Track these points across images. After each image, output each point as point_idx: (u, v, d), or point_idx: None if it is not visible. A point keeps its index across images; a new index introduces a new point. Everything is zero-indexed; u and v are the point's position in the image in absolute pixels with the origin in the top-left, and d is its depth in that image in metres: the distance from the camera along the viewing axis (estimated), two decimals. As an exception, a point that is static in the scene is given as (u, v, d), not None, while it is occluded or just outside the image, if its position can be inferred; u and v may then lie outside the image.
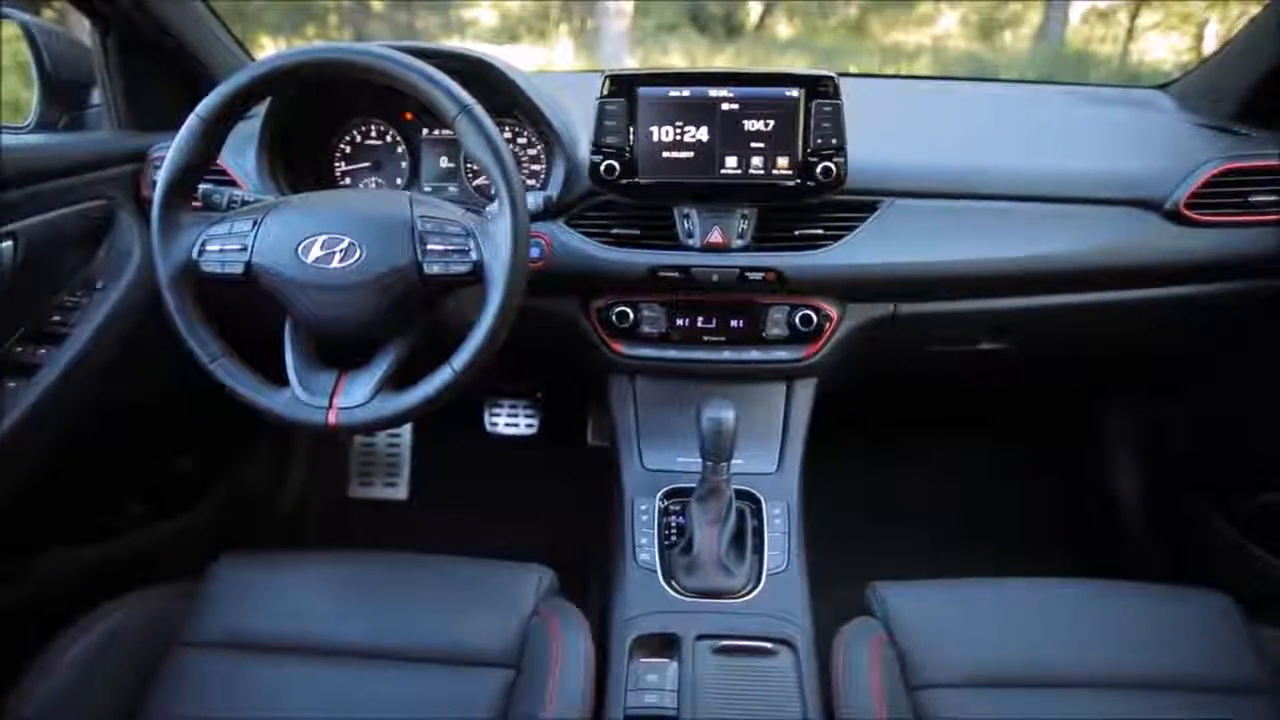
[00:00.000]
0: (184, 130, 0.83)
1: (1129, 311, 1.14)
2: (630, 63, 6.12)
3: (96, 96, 1.16)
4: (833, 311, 1.10)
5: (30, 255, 0.94)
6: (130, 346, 1.08)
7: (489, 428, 1.77)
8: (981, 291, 1.12)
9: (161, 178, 0.84)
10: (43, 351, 0.97)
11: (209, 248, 0.84)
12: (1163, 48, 5.03)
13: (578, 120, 1.09)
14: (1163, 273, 1.10)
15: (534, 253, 1.02)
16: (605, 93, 0.99)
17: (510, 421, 1.77)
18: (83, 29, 1.13)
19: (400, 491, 1.77)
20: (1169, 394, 1.53)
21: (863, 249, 1.05)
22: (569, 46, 6.29)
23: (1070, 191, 1.08)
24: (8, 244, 0.91)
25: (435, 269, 0.82)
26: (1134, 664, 0.87)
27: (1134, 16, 5.26)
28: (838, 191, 1.02)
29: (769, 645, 0.91)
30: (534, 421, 1.78)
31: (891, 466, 1.71)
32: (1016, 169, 1.10)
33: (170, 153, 0.84)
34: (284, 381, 0.86)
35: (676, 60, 6.10)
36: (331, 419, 0.83)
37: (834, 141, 0.98)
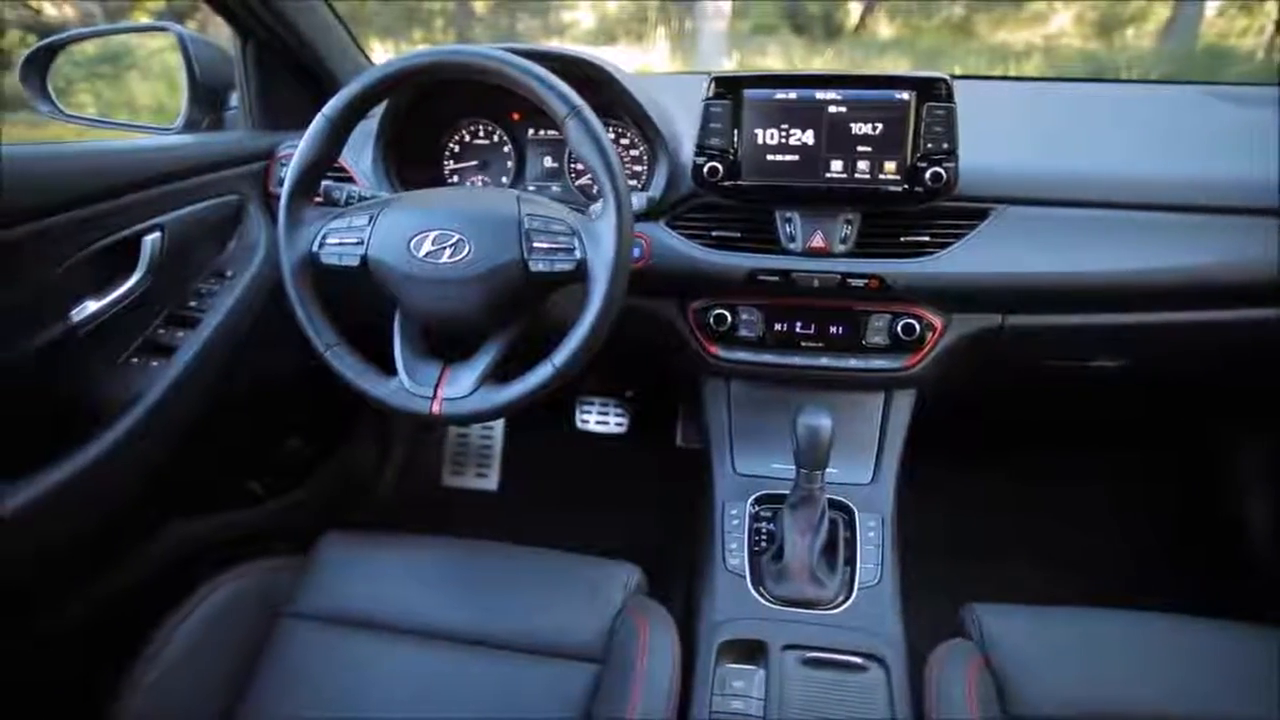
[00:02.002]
0: (311, 130, 0.87)
1: (1266, 329, 1.06)
2: (727, 64, 6.09)
3: (234, 99, 1.24)
4: (936, 321, 1.07)
5: (173, 245, 1.01)
6: (252, 333, 1.14)
7: (579, 424, 1.80)
8: (1099, 305, 1.06)
9: (289, 175, 0.88)
10: (180, 335, 1.05)
11: (329, 241, 0.87)
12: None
13: (680, 122, 1.09)
14: None
15: (634, 253, 1.03)
16: (710, 94, 0.98)
17: (600, 419, 1.80)
18: (220, 37, 1.22)
19: (491, 482, 1.82)
20: None
21: (971, 258, 1.01)
22: (665, 48, 6.32)
23: (1207, 199, 1.00)
24: (156, 235, 0.98)
25: (540, 266, 0.83)
26: (1251, 712, 0.80)
27: (1287, 5, 4.75)
28: (947, 198, 0.98)
29: (859, 660, 0.89)
30: (624, 420, 1.79)
31: (993, 484, 1.64)
32: (1144, 175, 1.03)
33: (298, 151, 0.88)
34: (392, 371, 0.89)
35: (774, 62, 6.04)
36: (435, 409, 0.85)
37: (945, 146, 0.95)
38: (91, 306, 0.92)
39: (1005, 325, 1.08)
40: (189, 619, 0.87)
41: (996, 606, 0.92)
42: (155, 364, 1.02)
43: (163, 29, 1.18)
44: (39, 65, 1.15)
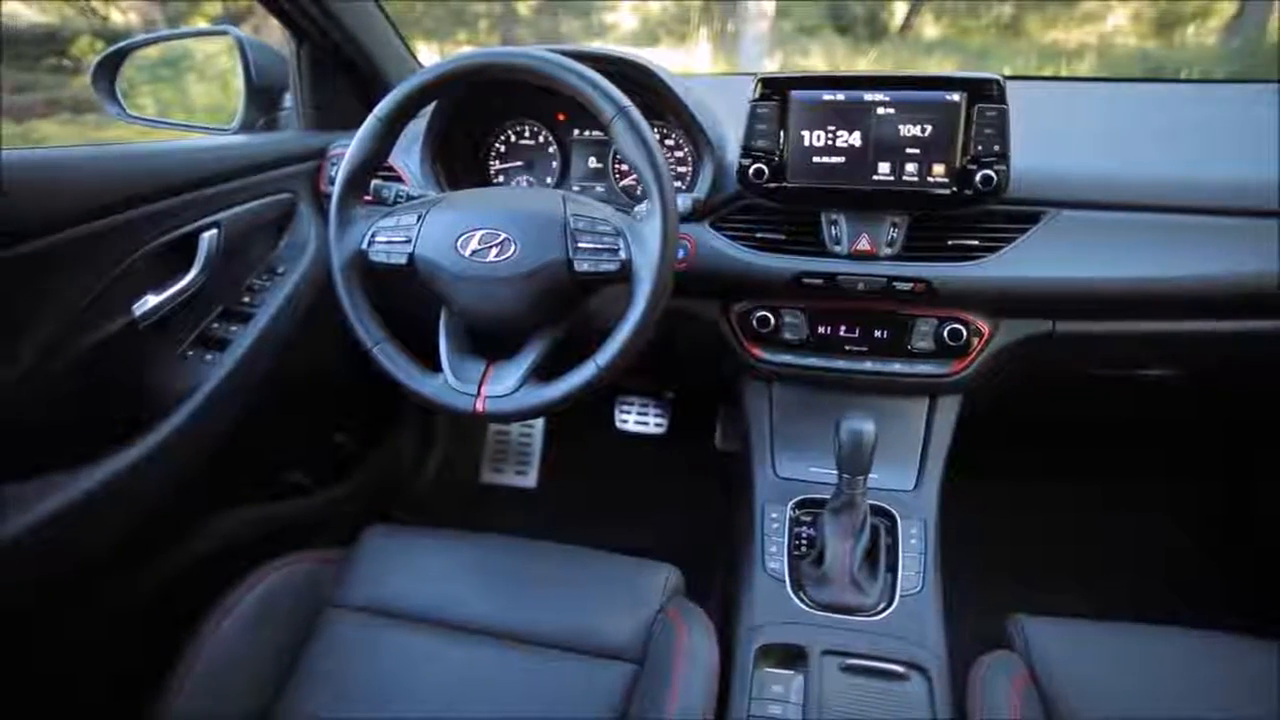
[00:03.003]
0: (362, 130, 0.89)
1: None
2: (769, 65, 6.06)
3: (287, 100, 1.27)
4: (984, 326, 1.05)
5: (229, 242, 1.04)
6: (301, 329, 1.16)
7: (618, 424, 1.80)
8: (1155, 312, 1.03)
9: (340, 174, 0.90)
10: (234, 329, 1.07)
11: (377, 239, 0.89)
12: None
13: (726, 123, 1.08)
14: None
15: (678, 254, 1.03)
16: (757, 95, 0.97)
17: (640, 420, 1.80)
18: (273, 40, 1.25)
19: (529, 480, 1.84)
20: None
21: (1022, 262, 0.99)
22: (707, 50, 6.30)
23: (1271, 203, 0.96)
24: (212, 232, 1.01)
25: (585, 266, 0.83)
26: None
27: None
28: (997, 201, 0.96)
29: (900, 669, 0.87)
30: (663, 421, 1.80)
31: (1038, 493, 1.60)
32: (1204, 178, 1.00)
33: (349, 151, 0.89)
34: (436, 368, 0.90)
35: (817, 63, 5.99)
36: (479, 406, 0.86)
37: (996, 148, 0.93)
38: (152, 300, 0.95)
39: (1055, 331, 1.05)
40: (238, 607, 0.89)
41: (1043, 619, 0.90)
42: (210, 357, 1.04)
43: (222, 32, 1.22)
44: (109, 70, 1.20)
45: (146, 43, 1.24)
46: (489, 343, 0.92)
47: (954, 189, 0.95)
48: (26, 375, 0.82)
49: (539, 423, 1.87)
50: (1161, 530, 1.56)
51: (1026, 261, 0.99)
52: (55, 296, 0.84)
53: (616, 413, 1.81)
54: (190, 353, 1.04)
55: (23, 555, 0.79)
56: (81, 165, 0.87)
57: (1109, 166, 1.02)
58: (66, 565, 0.89)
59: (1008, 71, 1.01)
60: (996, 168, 0.93)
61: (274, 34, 1.25)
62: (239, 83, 1.22)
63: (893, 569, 0.98)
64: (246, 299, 1.11)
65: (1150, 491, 1.60)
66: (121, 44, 1.21)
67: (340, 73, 1.24)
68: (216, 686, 0.84)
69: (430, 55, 1.39)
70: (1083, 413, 1.50)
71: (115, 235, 0.89)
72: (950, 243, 1.00)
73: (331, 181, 1.16)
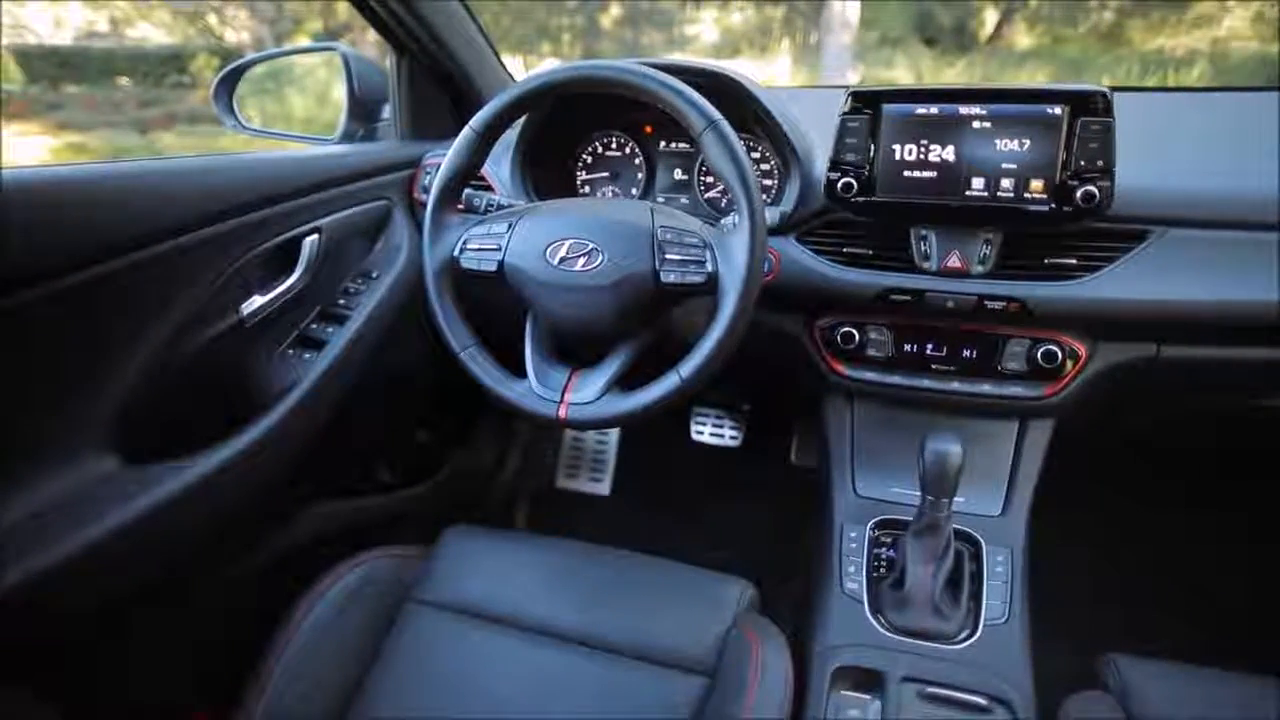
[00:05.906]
0: (459, 141, 0.92)
1: None
2: (853, 77, 5.97)
3: (385, 111, 1.33)
4: (1081, 348, 1.00)
5: (329, 247, 1.09)
6: (392, 332, 1.20)
7: (693, 435, 1.80)
8: (1272, 338, 0.96)
9: (436, 183, 0.93)
10: (330, 330, 1.12)
11: (469, 246, 0.91)
12: None
13: (814, 136, 1.07)
14: None
15: (764, 267, 1.03)
16: (848, 108, 0.96)
17: (715, 431, 1.79)
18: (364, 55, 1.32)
19: (603, 487, 1.85)
20: None
21: (1125, 283, 0.94)
22: (788, 61, 6.26)
23: None
24: (314, 237, 1.06)
25: (671, 277, 0.83)
26: None
27: None
28: (1099, 218, 0.92)
29: (983, 701, 0.84)
30: (738, 434, 1.78)
31: (1137, 524, 1.52)
32: None
33: (445, 161, 0.92)
34: (521, 374, 0.91)
35: (901, 75, 5.87)
36: (562, 413, 0.87)
37: (1099, 164, 0.89)
38: (258, 301, 1.00)
39: (1160, 356, 1.00)
40: (324, 598, 0.92)
41: (1139, 659, 0.85)
42: (307, 356, 1.09)
43: (330, 49, 1.29)
44: (227, 86, 1.28)
45: (261, 60, 1.32)
46: (573, 351, 0.94)
47: (1053, 205, 0.91)
48: (147, 369, 0.88)
49: (614, 430, 1.89)
50: (1274, 570, 1.46)
51: (1130, 282, 0.94)
52: (177, 295, 0.90)
53: (692, 423, 1.80)
54: (290, 352, 1.09)
55: (119, 551, 0.82)
56: (202, 174, 0.93)
57: (1222, 183, 0.97)
58: (174, 552, 0.93)
59: (1107, 82, 0.96)
60: (1099, 184, 0.89)
61: (368, 50, 1.30)
62: (342, 95, 1.29)
63: (976, 597, 0.95)
64: (342, 301, 1.16)
65: (1262, 527, 1.49)
66: (238, 62, 1.29)
67: (436, 86, 1.29)
68: (302, 675, 0.87)
69: (516, 67, 1.43)
70: (1185, 440, 1.41)
71: (230, 238, 0.94)
72: (1047, 261, 0.97)
73: (425, 189, 1.20)
